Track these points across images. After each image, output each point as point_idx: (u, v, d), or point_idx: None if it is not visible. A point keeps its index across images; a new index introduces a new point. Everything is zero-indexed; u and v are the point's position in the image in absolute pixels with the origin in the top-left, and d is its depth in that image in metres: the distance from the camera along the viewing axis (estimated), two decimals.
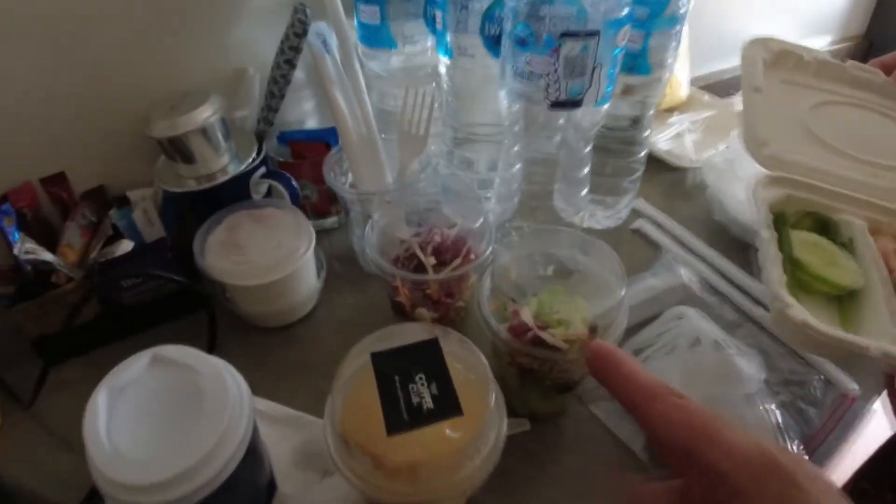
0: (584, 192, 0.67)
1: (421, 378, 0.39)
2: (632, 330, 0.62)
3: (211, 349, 0.60)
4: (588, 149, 0.63)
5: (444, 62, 0.64)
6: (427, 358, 0.40)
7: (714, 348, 0.55)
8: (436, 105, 0.63)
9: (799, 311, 0.46)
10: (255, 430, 0.45)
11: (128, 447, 0.38)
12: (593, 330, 0.47)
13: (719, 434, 0.27)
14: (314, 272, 0.66)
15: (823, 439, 0.54)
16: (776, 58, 0.61)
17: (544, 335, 0.46)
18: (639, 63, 0.63)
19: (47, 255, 0.62)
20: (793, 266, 0.52)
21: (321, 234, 0.76)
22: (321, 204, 0.74)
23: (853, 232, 0.55)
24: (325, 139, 0.70)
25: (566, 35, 0.50)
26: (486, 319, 0.48)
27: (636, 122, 0.67)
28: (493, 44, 0.59)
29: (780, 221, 0.55)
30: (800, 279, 0.53)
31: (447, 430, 0.37)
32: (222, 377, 0.41)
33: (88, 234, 0.67)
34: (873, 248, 0.53)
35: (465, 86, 0.64)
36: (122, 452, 0.37)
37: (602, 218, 0.76)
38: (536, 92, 0.54)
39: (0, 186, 0.64)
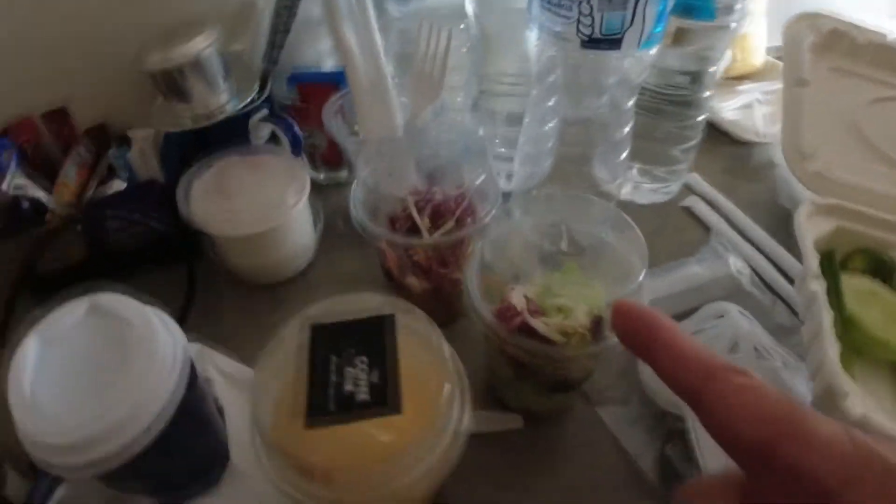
0: (624, 155, 0.57)
1: (363, 362, 0.32)
2: None
3: (188, 303, 0.56)
4: (630, 103, 0.53)
5: None
6: (377, 338, 0.33)
7: (755, 357, 0.45)
8: (453, 44, 0.54)
9: (858, 402, 0.36)
10: (197, 393, 0.41)
11: (51, 403, 0.34)
12: (597, 323, 0.38)
13: (804, 425, 0.20)
14: (309, 227, 0.60)
15: None
16: (825, 40, 0.49)
17: (535, 323, 0.38)
18: (699, 4, 0.52)
19: (38, 192, 0.59)
20: (845, 324, 0.42)
21: (332, 187, 0.70)
22: (331, 154, 0.67)
23: None
24: (338, 81, 0.63)
25: None
26: (470, 297, 0.40)
27: (694, 79, 0.56)
28: None
29: (828, 262, 0.45)
30: (854, 340, 0.42)
31: (378, 430, 0.30)
32: (155, 332, 0.36)
33: (86, 173, 0.64)
34: None
35: (492, 27, 0.56)
36: (43, 408, 0.34)
37: (648, 191, 0.66)
38: (568, 26, 0.45)
39: (3, 121, 0.62)
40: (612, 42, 0.44)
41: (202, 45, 0.56)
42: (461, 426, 0.34)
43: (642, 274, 0.40)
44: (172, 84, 0.57)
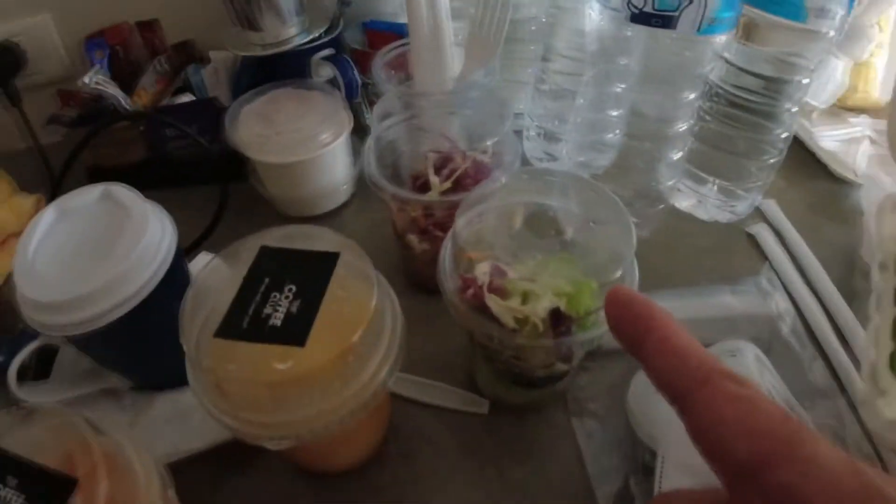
0: (679, 154, 0.52)
1: (290, 290, 0.32)
2: None
3: (215, 220, 0.58)
4: (692, 96, 0.48)
5: None
6: (315, 273, 0.32)
7: None
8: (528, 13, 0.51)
9: (893, 404, 0.31)
10: (178, 289, 0.42)
11: (46, 266, 0.39)
12: (555, 314, 0.35)
13: (804, 448, 0.18)
14: (345, 169, 0.60)
15: None
16: None
17: (489, 301, 0.35)
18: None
19: (115, 90, 0.63)
20: None
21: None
22: None
23: None
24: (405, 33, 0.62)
25: None
26: (439, 264, 0.39)
27: (774, 87, 0.49)
28: None
29: None
30: None
31: (276, 357, 0.29)
32: (146, 224, 0.40)
33: (164, 83, 0.68)
34: None
35: None
36: (38, 270, 0.38)
37: (713, 206, 0.59)
38: None
39: (99, 22, 0.67)
40: (664, 19, 0.40)
41: None
42: (375, 381, 0.32)
43: (619, 270, 0.36)
44: (246, 11, 0.59)
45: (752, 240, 0.58)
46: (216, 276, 0.36)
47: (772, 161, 0.55)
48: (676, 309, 0.46)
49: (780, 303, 0.50)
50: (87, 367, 0.47)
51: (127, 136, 0.63)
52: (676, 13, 0.40)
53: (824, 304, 0.51)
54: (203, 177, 0.63)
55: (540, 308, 0.35)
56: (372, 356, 0.33)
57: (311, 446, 0.38)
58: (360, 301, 0.33)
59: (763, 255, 0.56)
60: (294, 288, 0.32)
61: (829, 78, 0.63)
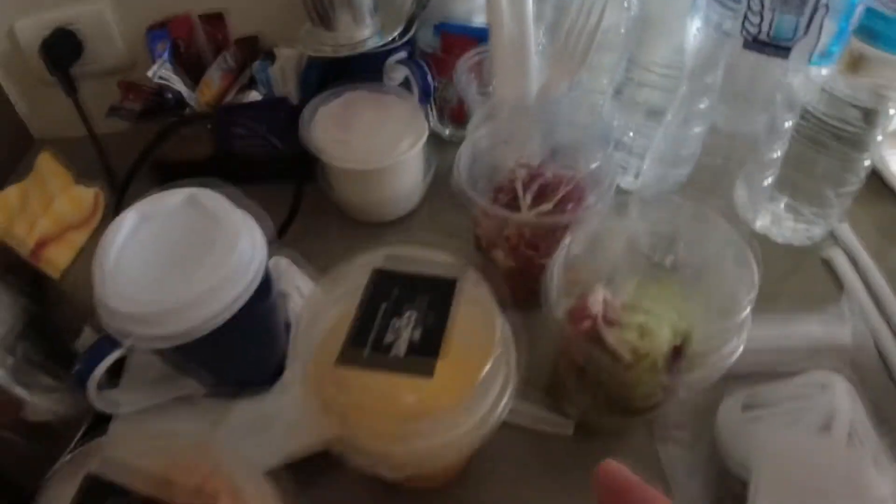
0: (769, 181, 0.51)
1: (411, 316, 0.31)
2: (759, 377, 0.47)
3: (289, 219, 0.58)
4: (788, 124, 0.47)
5: None
6: (433, 298, 0.32)
7: (847, 443, 0.39)
8: (611, 22, 0.50)
9: None
10: (267, 300, 0.42)
11: (129, 274, 0.37)
12: (677, 352, 0.35)
13: None
14: (418, 175, 0.60)
15: None
16: None
17: (605, 333, 0.35)
18: (887, 31, 0.43)
19: (179, 86, 0.63)
20: None
21: (453, 144, 0.69)
22: (461, 111, 0.66)
23: None
24: (483, 38, 0.61)
25: None
26: (546, 287, 0.38)
27: (866, 116, 0.48)
28: None
29: None
30: None
31: (403, 388, 0.29)
32: (239, 234, 0.38)
33: (229, 79, 0.68)
34: None
35: (654, 10, 0.51)
36: (121, 278, 0.37)
37: (788, 229, 0.59)
38: (734, 20, 0.40)
39: (160, 12, 0.66)
40: (779, 49, 0.39)
41: None
42: (494, 413, 0.32)
43: (745, 312, 0.36)
44: (322, 10, 0.58)
45: (828, 265, 0.57)
46: (322, 298, 0.35)
47: (853, 188, 0.54)
48: (762, 338, 0.46)
49: (864, 330, 0.49)
50: (158, 374, 0.47)
51: (193, 132, 0.62)
52: (791, 43, 0.39)
53: None
54: (270, 175, 0.62)
55: (661, 344, 0.34)
56: (493, 386, 0.32)
57: None
58: (484, 330, 0.32)
59: (838, 281, 0.56)
60: (415, 314, 0.32)
61: None
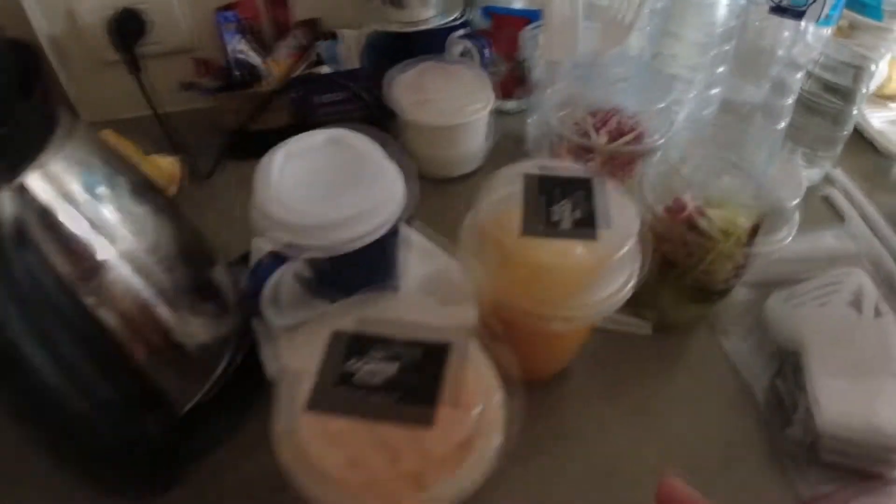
0: (781, 126, 0.62)
1: (566, 203, 0.39)
2: (792, 282, 0.57)
3: None
4: (799, 76, 0.58)
5: None
6: (578, 192, 0.40)
7: (873, 315, 0.50)
8: None
9: None
10: (399, 233, 0.48)
11: (291, 194, 0.42)
12: (755, 228, 0.44)
13: None
14: (483, 136, 0.68)
15: None
16: None
17: (700, 220, 0.44)
18: (871, 2, 0.57)
19: (255, 59, 0.69)
20: None
21: (499, 114, 0.77)
22: (506, 83, 0.75)
23: None
24: (528, 17, 0.71)
25: None
26: (643, 194, 0.47)
27: (855, 73, 0.61)
28: None
29: None
30: None
31: (579, 247, 0.37)
32: (384, 163, 0.44)
33: (295, 57, 0.74)
34: None
35: None
36: (284, 197, 0.42)
37: None
38: None
39: None
40: (796, 13, 0.50)
41: None
42: (632, 279, 0.40)
43: (795, 203, 0.46)
44: None
45: (826, 201, 0.69)
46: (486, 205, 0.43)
47: (844, 135, 0.66)
48: (790, 249, 0.57)
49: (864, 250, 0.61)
50: (292, 297, 0.52)
51: (270, 103, 0.68)
52: (804, 8, 0.50)
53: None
54: None
55: (741, 224, 0.44)
56: (628, 262, 0.41)
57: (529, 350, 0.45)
58: (627, 210, 0.41)
59: (838, 215, 0.67)
60: (569, 202, 0.40)
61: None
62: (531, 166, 0.43)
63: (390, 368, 0.31)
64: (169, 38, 0.75)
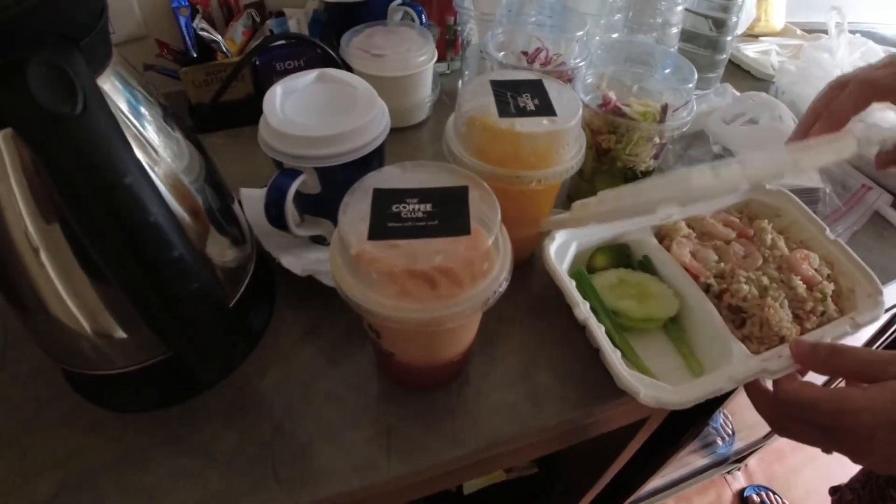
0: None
1: (526, 96, 0.50)
2: None
3: None
4: (675, 30, 0.74)
5: None
6: (533, 88, 0.51)
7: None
8: None
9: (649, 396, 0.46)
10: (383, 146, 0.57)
11: (296, 117, 0.51)
12: (664, 108, 0.58)
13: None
14: (430, 85, 0.78)
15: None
16: None
17: (623, 107, 0.57)
18: None
19: (217, 36, 0.76)
20: (608, 316, 0.53)
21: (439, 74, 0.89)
22: (439, 47, 0.85)
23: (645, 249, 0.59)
24: None
25: None
26: (579, 97, 0.59)
27: (726, 6, 0.78)
28: None
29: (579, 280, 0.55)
30: (622, 325, 0.54)
31: (545, 120, 0.48)
32: (374, 94, 0.54)
33: (248, 34, 0.82)
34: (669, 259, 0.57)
35: None
36: (290, 119, 0.51)
37: None
38: None
39: None
40: None
41: None
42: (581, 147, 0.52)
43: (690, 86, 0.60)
44: None
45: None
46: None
47: (724, 57, 0.83)
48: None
49: None
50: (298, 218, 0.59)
51: (240, 70, 0.75)
52: None
53: None
54: None
55: (654, 107, 0.57)
56: (577, 136, 0.52)
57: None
58: (573, 100, 0.52)
59: None
60: (529, 94, 0.51)
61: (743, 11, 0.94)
62: (495, 75, 0.54)
63: (426, 206, 0.41)
64: (121, 29, 0.80)
